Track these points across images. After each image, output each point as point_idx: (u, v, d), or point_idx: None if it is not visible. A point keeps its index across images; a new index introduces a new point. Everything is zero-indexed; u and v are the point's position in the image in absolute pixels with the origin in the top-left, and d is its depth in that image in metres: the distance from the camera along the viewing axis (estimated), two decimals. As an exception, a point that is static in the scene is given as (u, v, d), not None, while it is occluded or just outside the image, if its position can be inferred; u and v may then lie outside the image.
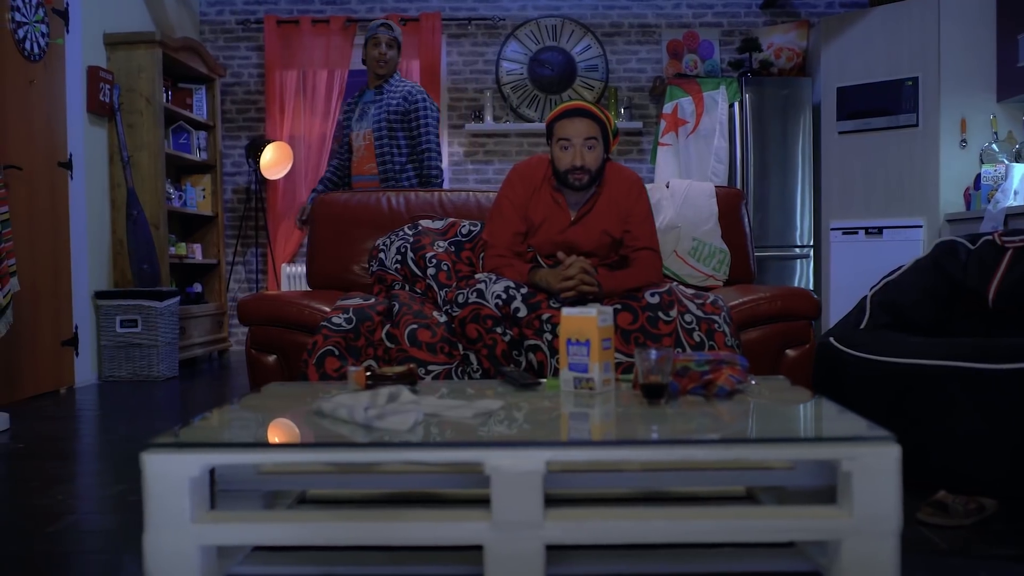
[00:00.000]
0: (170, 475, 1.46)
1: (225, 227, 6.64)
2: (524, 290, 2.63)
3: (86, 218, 5.05)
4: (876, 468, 1.44)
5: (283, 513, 1.50)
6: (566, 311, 2.00)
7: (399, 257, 2.98)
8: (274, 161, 6.29)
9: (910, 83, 5.60)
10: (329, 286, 3.28)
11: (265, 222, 6.56)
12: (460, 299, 2.64)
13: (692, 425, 1.69)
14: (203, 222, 6.37)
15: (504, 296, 2.59)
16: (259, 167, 6.30)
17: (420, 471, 1.86)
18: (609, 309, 2.01)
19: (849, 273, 5.80)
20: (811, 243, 6.18)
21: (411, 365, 2.08)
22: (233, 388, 4.99)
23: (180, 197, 5.97)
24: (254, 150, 6.31)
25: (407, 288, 2.94)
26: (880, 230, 5.75)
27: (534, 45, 6.65)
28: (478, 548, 1.68)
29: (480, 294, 2.62)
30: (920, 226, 5.58)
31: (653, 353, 1.80)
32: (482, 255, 2.95)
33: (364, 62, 4.31)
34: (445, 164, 6.71)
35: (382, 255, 3.04)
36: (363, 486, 1.96)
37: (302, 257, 6.72)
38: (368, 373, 2.01)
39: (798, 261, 6.18)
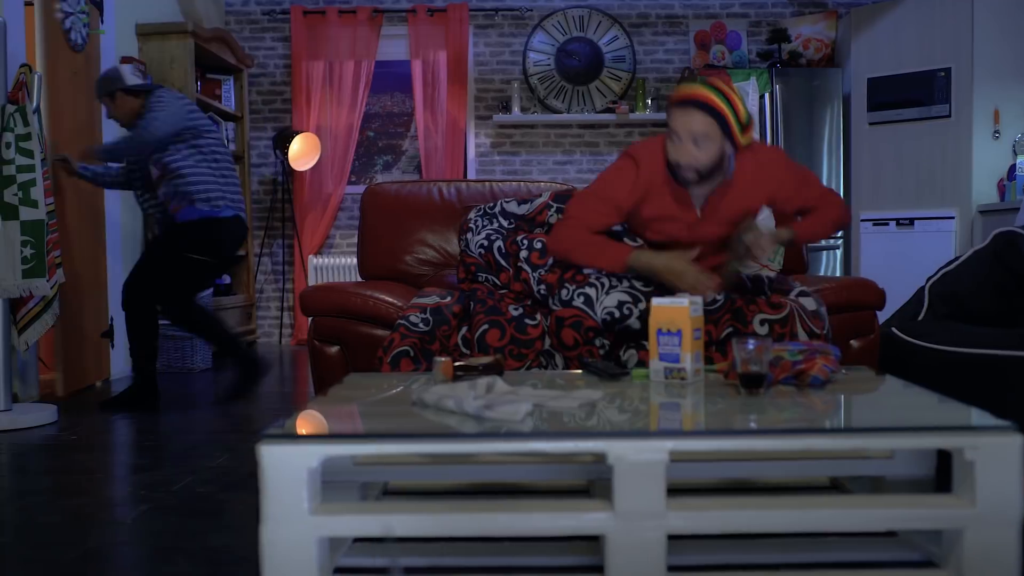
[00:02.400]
0: (289, 466, 1.46)
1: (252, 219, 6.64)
2: (642, 306, 2.38)
3: (120, 209, 5.04)
4: (1000, 457, 1.44)
5: (401, 504, 1.50)
6: (656, 301, 1.99)
7: (486, 243, 2.79)
8: (302, 152, 6.28)
9: (942, 74, 5.58)
10: (381, 276, 3.27)
11: (292, 213, 6.55)
12: (564, 295, 2.46)
13: (790, 414, 1.68)
14: (231, 214, 6.35)
15: (617, 314, 2.38)
16: (287, 158, 6.29)
17: (515, 462, 1.86)
18: (699, 298, 2.00)
19: (880, 264, 5.78)
20: (840, 234, 6.17)
21: (498, 356, 2.07)
22: (269, 379, 4.99)
23: (210, 189, 5.96)
24: (281, 141, 6.30)
25: (487, 278, 2.78)
26: (911, 221, 5.74)
27: (561, 36, 6.63)
28: (584, 538, 1.68)
29: (588, 302, 2.41)
30: (952, 217, 5.57)
31: (750, 343, 1.79)
32: (551, 223, 2.73)
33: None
34: (472, 156, 6.70)
35: (469, 234, 2.85)
36: (450, 477, 1.95)
37: (329, 249, 6.72)
38: (456, 364, 2.01)
39: (824, 252, 6.17)
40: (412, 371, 2.47)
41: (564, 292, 2.46)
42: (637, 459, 1.42)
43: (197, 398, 4.32)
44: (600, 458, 1.75)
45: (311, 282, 6.50)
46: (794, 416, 1.66)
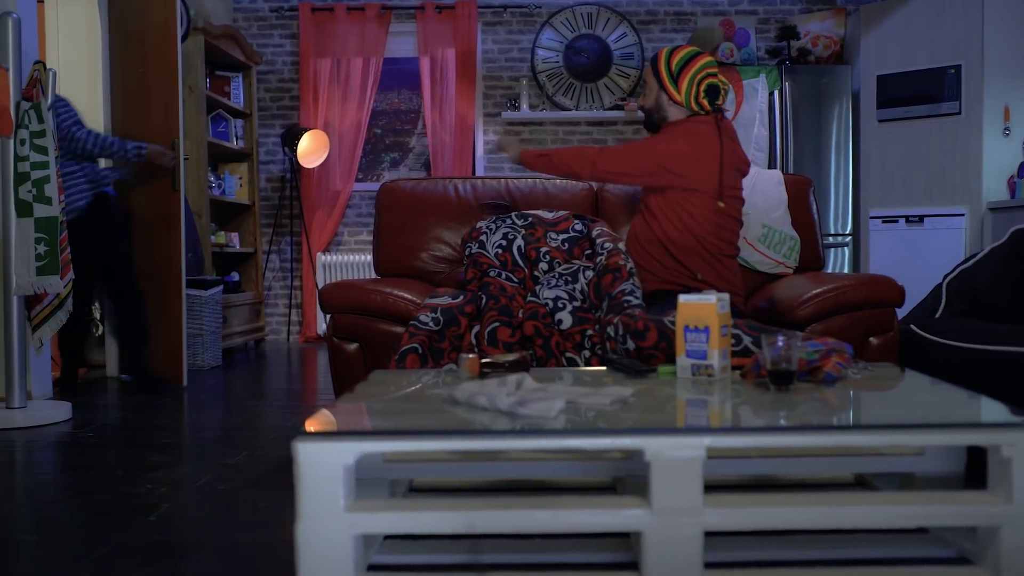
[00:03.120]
0: (325, 464, 1.45)
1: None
2: (576, 303, 2.63)
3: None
4: (1037, 454, 1.44)
5: (436, 501, 1.50)
6: (683, 298, 1.99)
7: (504, 243, 2.90)
8: (311, 149, 6.28)
9: (952, 71, 5.58)
10: (397, 274, 3.27)
11: (300, 211, 6.55)
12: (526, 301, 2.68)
13: (822, 411, 1.68)
14: (240, 210, 6.36)
15: (552, 305, 2.61)
16: (295, 155, 6.29)
17: (542, 459, 1.86)
18: (726, 296, 2.00)
19: (889, 262, 5.79)
20: (848, 231, 6.17)
21: (524, 353, 2.07)
22: (279, 377, 4.99)
23: (219, 185, 5.96)
24: (290, 138, 6.30)
25: (503, 275, 2.85)
26: (921, 218, 5.74)
27: (569, 33, 6.63)
28: (613, 534, 1.68)
29: (535, 294, 2.66)
30: (962, 215, 5.56)
31: (780, 339, 1.79)
32: (574, 229, 3.06)
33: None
34: (480, 153, 6.69)
35: (484, 237, 2.97)
36: (478, 474, 1.95)
37: (337, 246, 6.72)
38: (483, 360, 2.01)
39: (833, 250, 6.17)
40: (418, 368, 2.48)
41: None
42: (674, 455, 1.42)
43: (213, 396, 4.32)
44: (630, 455, 1.75)
45: (319, 279, 6.51)
46: (826, 412, 1.66)
